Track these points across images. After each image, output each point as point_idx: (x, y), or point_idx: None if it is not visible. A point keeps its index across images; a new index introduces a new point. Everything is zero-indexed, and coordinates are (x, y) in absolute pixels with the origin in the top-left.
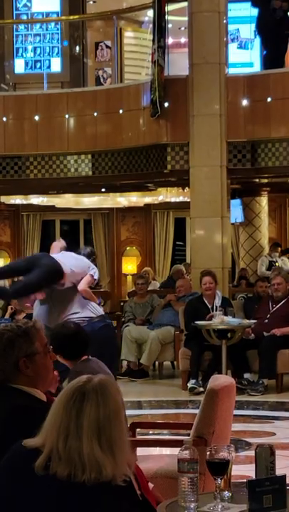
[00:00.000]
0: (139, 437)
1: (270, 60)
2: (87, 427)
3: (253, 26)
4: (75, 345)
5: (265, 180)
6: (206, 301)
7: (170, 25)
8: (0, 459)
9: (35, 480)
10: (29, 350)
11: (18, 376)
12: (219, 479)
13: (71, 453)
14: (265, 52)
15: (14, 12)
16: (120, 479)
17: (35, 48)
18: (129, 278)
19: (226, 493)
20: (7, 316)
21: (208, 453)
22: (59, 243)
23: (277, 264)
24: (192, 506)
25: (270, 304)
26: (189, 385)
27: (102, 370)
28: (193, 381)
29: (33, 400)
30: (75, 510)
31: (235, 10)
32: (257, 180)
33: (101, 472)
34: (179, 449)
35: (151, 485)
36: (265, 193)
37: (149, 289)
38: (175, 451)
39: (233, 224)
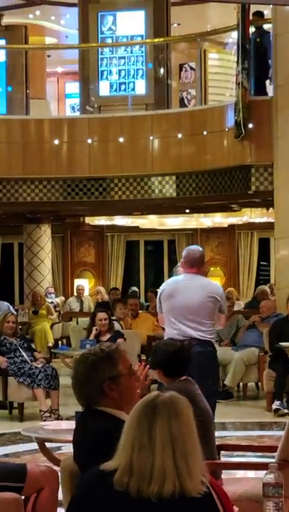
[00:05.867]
0: (223, 460)
1: None
2: (160, 438)
3: None
4: (177, 364)
5: None
6: None
7: None
8: None
9: (112, 501)
10: (113, 373)
11: (103, 399)
12: None
13: (144, 466)
14: None
15: (99, 36)
16: (196, 491)
17: (119, 71)
18: None
19: None
20: (92, 337)
21: None
22: None
23: None
24: None
25: None
26: (274, 406)
27: (197, 394)
28: (277, 403)
29: (117, 422)
30: None
31: None
32: None
33: (163, 485)
34: (264, 472)
35: (236, 508)
36: None
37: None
38: (260, 473)
39: None
